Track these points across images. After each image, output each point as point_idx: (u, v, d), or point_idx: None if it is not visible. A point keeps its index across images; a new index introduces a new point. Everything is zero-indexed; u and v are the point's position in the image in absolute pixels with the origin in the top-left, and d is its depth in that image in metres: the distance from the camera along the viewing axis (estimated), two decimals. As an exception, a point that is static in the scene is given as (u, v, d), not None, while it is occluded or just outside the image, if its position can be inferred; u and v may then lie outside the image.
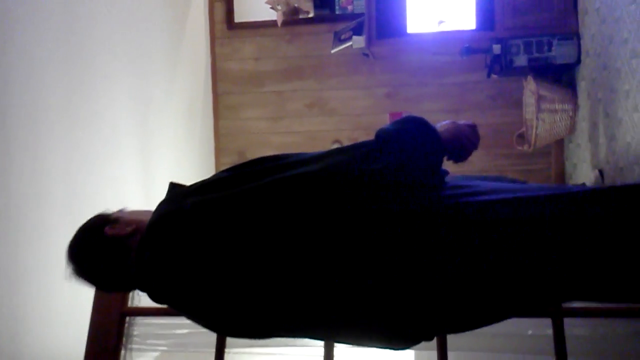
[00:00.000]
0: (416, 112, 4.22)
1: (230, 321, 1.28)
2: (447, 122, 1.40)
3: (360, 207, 1.16)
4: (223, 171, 1.37)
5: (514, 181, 1.57)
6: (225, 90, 4.51)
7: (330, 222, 1.17)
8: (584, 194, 1.25)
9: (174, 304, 1.30)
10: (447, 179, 1.35)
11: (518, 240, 1.20)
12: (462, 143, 1.38)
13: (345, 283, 1.18)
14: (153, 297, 1.30)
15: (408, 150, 1.23)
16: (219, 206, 1.21)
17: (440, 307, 1.22)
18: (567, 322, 1.68)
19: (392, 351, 1.39)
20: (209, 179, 1.33)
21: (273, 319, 1.24)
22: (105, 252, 1.30)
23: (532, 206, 1.23)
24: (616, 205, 1.23)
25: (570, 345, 1.61)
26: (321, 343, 1.82)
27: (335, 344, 1.72)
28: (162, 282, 1.25)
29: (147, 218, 1.30)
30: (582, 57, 3.67)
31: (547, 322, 1.70)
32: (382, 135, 1.25)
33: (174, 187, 1.37)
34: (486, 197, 1.26)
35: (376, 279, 1.17)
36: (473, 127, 1.43)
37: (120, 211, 1.38)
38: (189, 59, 4.14)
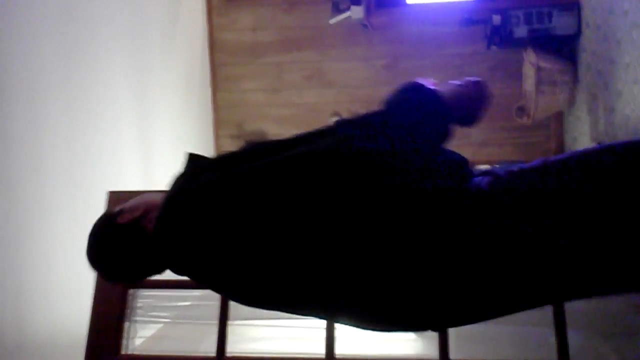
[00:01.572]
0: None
1: (248, 292, 1.29)
2: (451, 82, 1.36)
3: (370, 186, 1.16)
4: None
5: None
6: (222, 62, 4.48)
7: (341, 200, 1.16)
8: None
9: (193, 274, 1.31)
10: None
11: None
12: (469, 104, 1.35)
13: (351, 262, 1.18)
14: (173, 268, 1.31)
15: (412, 123, 1.21)
16: (231, 183, 1.22)
17: (448, 294, 1.21)
18: (567, 295, 1.70)
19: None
20: (224, 154, 1.34)
21: (284, 292, 1.25)
22: (126, 239, 1.31)
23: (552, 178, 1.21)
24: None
25: (569, 318, 1.63)
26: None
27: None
28: (181, 253, 1.26)
29: (151, 198, 1.32)
30: (583, 29, 3.64)
31: (547, 295, 1.72)
32: (384, 111, 1.24)
33: (191, 159, 1.37)
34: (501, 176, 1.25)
35: (382, 258, 1.18)
36: (479, 84, 1.39)
37: (120, 205, 1.38)
38: (185, 30, 4.10)
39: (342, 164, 1.16)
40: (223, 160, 1.30)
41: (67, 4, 2.60)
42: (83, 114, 2.68)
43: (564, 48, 3.90)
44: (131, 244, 1.31)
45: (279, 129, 4.41)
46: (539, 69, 3.69)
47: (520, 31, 3.79)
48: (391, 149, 1.18)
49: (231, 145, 4.46)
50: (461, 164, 1.30)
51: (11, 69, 2.19)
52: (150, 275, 1.39)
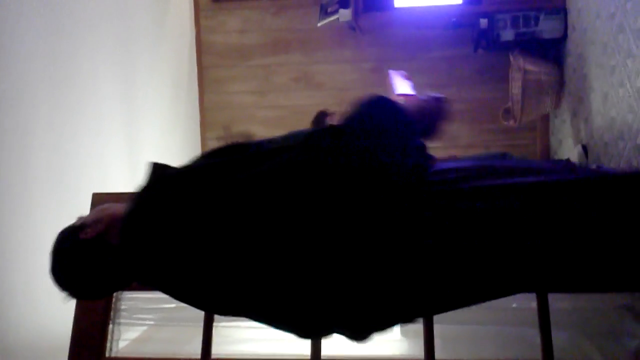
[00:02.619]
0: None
1: (218, 302, 1.28)
2: (415, 95, 1.39)
3: (342, 194, 1.16)
4: (204, 157, 1.36)
5: (508, 158, 1.57)
6: (210, 64, 4.47)
7: (316, 210, 1.17)
8: (576, 182, 1.25)
9: (161, 286, 1.29)
10: (439, 165, 1.34)
11: (501, 229, 1.20)
12: (429, 118, 1.37)
13: (327, 267, 1.18)
14: (141, 281, 1.29)
15: (375, 135, 1.21)
16: (201, 195, 1.21)
17: (423, 287, 1.22)
18: (551, 295, 1.70)
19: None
20: (191, 164, 1.32)
21: (255, 301, 1.24)
22: (91, 254, 1.29)
23: (520, 195, 1.24)
24: (604, 197, 1.24)
25: (554, 318, 1.63)
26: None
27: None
28: (148, 264, 1.24)
29: (113, 210, 1.30)
30: (569, 32, 3.67)
31: (532, 295, 1.73)
32: (349, 124, 1.24)
33: (154, 169, 1.35)
34: (477, 183, 1.26)
35: (359, 261, 1.17)
36: (440, 100, 1.42)
37: (80, 217, 1.36)
38: (173, 32, 4.09)
39: (318, 176, 1.16)
40: (192, 171, 1.28)
41: (54, 8, 2.58)
42: (69, 115, 2.66)
43: (550, 51, 3.92)
44: (96, 260, 1.28)
45: (266, 131, 4.40)
46: (525, 72, 3.71)
47: (507, 35, 3.81)
48: (361, 161, 1.18)
49: (219, 148, 4.44)
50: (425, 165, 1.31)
51: (-5, 69, 2.17)
52: (118, 289, 1.37)
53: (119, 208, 1.30)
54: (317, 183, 1.16)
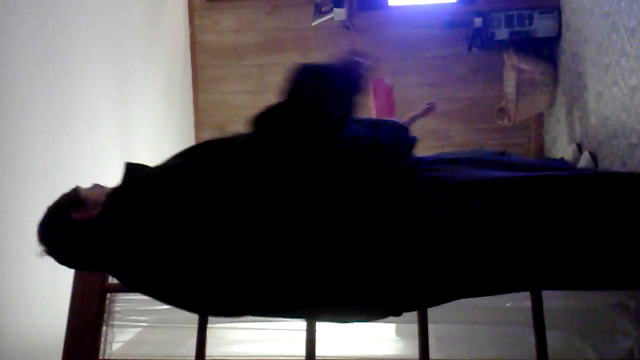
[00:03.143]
0: (397, 86, 4.21)
1: (203, 300, 1.28)
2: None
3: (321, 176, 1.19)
4: (178, 155, 1.36)
5: (492, 154, 1.58)
6: (204, 64, 4.45)
7: (294, 196, 1.18)
8: (572, 178, 1.26)
9: (142, 287, 1.29)
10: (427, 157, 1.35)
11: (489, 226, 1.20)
12: (349, 71, 1.35)
13: (313, 256, 1.19)
14: (123, 281, 1.29)
15: (321, 99, 1.24)
16: (175, 195, 1.22)
17: (410, 278, 1.22)
18: (545, 294, 1.70)
19: (372, 322, 1.40)
20: (166, 162, 1.32)
21: (246, 296, 1.24)
22: (73, 235, 1.30)
23: (508, 191, 1.24)
24: (593, 194, 1.24)
25: (548, 317, 1.63)
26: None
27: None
28: (127, 266, 1.26)
29: (105, 198, 1.31)
30: (563, 31, 3.67)
31: (526, 294, 1.73)
32: (292, 99, 1.25)
33: (129, 170, 1.37)
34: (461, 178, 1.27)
35: (346, 250, 1.19)
36: (352, 51, 1.40)
37: (93, 188, 1.36)
38: (167, 31, 4.07)
39: (278, 159, 1.19)
40: (166, 171, 1.29)
41: (46, 4, 2.56)
42: (62, 115, 2.65)
43: (544, 50, 3.93)
44: (77, 242, 1.30)
45: (262, 131, 4.39)
46: (519, 71, 3.72)
47: (501, 33, 3.81)
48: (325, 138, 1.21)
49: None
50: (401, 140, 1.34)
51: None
52: (86, 270, 1.36)
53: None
54: (278, 168, 1.18)
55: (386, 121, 1.41)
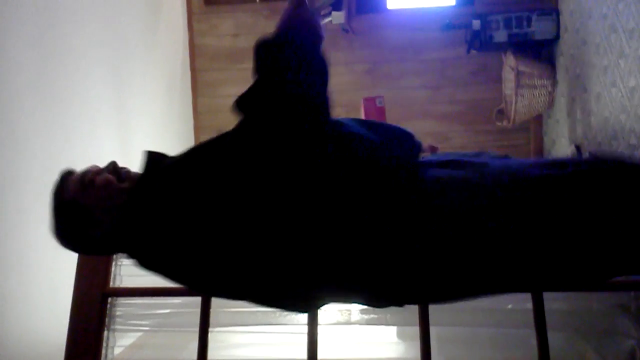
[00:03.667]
0: (396, 89, 4.22)
1: (215, 281, 1.30)
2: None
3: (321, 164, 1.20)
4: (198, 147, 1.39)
5: (495, 157, 1.58)
6: (203, 67, 4.46)
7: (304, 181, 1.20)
8: (573, 175, 1.25)
9: (156, 266, 1.31)
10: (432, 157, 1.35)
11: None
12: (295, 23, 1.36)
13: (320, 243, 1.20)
14: (139, 260, 1.31)
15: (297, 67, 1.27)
16: (199, 183, 1.24)
17: (412, 270, 1.23)
18: (547, 296, 1.70)
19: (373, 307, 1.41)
20: (186, 151, 1.34)
21: (254, 279, 1.26)
22: (87, 218, 1.31)
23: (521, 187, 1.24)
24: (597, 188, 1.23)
25: (549, 319, 1.63)
26: (304, 320, 1.83)
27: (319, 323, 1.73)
28: (145, 244, 1.28)
29: (116, 186, 1.32)
30: (561, 33, 3.68)
31: (527, 296, 1.73)
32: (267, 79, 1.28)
33: (150, 158, 1.37)
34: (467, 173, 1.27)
35: (350, 239, 1.20)
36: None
37: (94, 167, 1.38)
38: (166, 35, 4.08)
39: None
40: (188, 159, 1.31)
41: (45, 10, 2.57)
42: (61, 119, 2.65)
43: (543, 52, 3.94)
44: (83, 226, 1.30)
45: (261, 135, 4.40)
46: (518, 73, 3.72)
47: (500, 36, 3.82)
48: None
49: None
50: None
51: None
52: (98, 249, 1.37)
53: (117, 188, 1.32)
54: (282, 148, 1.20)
55: (392, 125, 1.41)
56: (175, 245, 1.24)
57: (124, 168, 1.38)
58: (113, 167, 1.37)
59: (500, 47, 3.88)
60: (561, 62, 3.68)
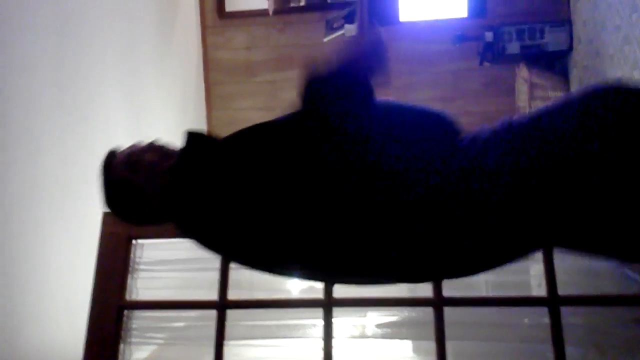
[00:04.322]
0: (410, 101, 4.22)
1: (249, 249, 1.36)
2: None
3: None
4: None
5: None
6: (217, 80, 4.49)
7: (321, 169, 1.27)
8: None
9: (198, 233, 1.38)
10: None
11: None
12: (365, 59, 1.43)
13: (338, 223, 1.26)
14: (180, 225, 1.38)
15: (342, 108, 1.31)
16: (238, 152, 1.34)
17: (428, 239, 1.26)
18: (564, 310, 1.69)
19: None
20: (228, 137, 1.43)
21: (283, 249, 1.32)
22: (139, 197, 1.39)
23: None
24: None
25: (567, 333, 1.62)
26: (319, 334, 1.83)
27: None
28: (190, 210, 1.34)
29: (163, 163, 1.40)
30: (574, 44, 3.67)
31: (544, 310, 1.72)
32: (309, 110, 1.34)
33: (191, 137, 1.44)
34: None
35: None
36: (359, 38, 1.50)
37: (139, 144, 1.47)
38: (180, 48, 4.11)
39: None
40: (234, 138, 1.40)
41: (61, 22, 2.60)
42: (78, 131, 2.67)
43: (556, 63, 3.93)
44: (130, 197, 1.38)
45: (274, 147, 4.41)
46: (531, 85, 3.72)
47: (513, 47, 3.82)
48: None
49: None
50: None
51: (4, 89, 2.19)
52: (150, 220, 1.43)
53: (161, 168, 1.39)
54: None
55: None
56: (213, 215, 1.31)
57: (166, 145, 1.46)
58: (153, 145, 1.44)
59: (513, 59, 3.88)
60: (575, 73, 3.68)
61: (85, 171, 2.70)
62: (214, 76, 4.48)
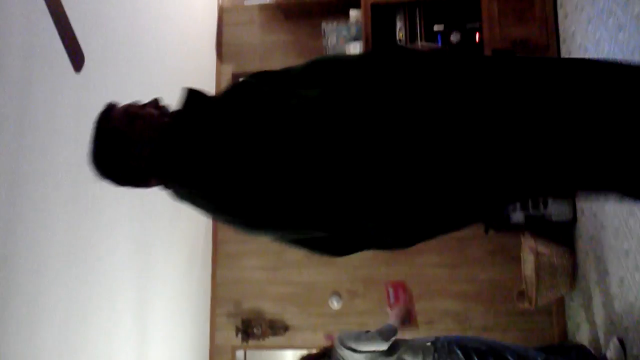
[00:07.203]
0: (415, 266, 4.20)
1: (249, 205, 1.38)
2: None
3: None
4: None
5: None
6: (225, 239, 4.52)
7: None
8: None
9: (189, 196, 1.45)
10: None
11: None
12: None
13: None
14: (170, 175, 1.44)
15: None
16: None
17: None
18: None
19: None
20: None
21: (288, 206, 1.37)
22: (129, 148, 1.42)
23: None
24: None
25: None
26: None
27: None
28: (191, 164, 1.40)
29: (156, 119, 1.45)
30: (578, 215, 3.72)
31: None
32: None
33: (190, 94, 1.49)
34: None
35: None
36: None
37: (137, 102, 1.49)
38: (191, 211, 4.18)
39: None
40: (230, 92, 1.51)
41: (77, 180, 2.68)
42: (83, 289, 2.65)
43: (561, 233, 3.96)
44: (135, 151, 1.42)
45: (277, 308, 4.34)
46: (538, 254, 3.72)
47: (517, 217, 3.88)
48: None
49: (227, 326, 4.35)
50: None
51: (13, 273, 2.21)
52: (142, 180, 1.49)
53: (159, 121, 1.44)
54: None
55: None
56: (214, 170, 1.37)
57: (166, 105, 1.49)
58: (156, 102, 1.47)
59: (518, 228, 3.92)
60: (580, 244, 3.69)
61: (84, 329, 2.64)
62: (222, 235, 4.51)
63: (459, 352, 2.86)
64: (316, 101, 1.37)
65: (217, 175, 1.39)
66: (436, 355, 2.86)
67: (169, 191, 1.47)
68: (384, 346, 2.88)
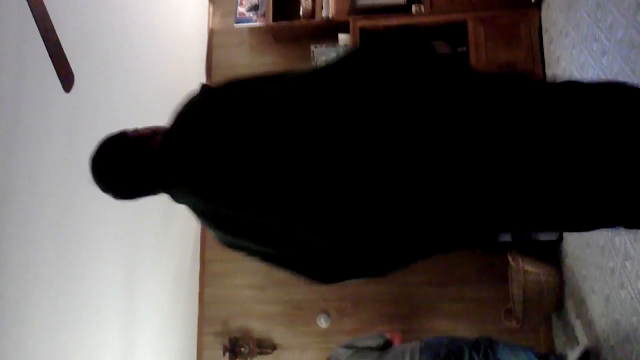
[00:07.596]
0: (402, 285, 4.21)
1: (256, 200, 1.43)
2: None
3: None
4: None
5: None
6: (213, 258, 4.51)
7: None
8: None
9: (194, 186, 1.49)
10: None
11: None
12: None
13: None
14: (175, 181, 1.48)
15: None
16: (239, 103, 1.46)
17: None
18: None
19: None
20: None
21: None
22: (131, 151, 1.47)
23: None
24: None
25: None
26: None
27: None
28: (187, 163, 1.43)
29: (160, 127, 1.51)
30: (564, 235, 3.76)
31: None
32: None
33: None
34: None
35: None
36: None
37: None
38: (179, 227, 4.19)
39: None
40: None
41: (64, 200, 2.68)
42: (68, 305, 2.64)
43: (547, 252, 3.99)
44: (135, 157, 1.46)
45: (265, 327, 4.33)
46: (525, 273, 3.75)
47: (504, 236, 3.90)
48: None
49: (215, 345, 4.33)
50: None
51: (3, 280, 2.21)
52: (145, 192, 1.53)
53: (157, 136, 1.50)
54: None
55: None
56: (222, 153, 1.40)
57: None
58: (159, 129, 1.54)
59: (506, 248, 3.95)
60: (566, 263, 3.73)
61: (71, 345, 2.62)
62: (210, 254, 4.51)
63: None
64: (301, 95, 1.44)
65: (206, 162, 1.44)
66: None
67: (169, 191, 1.53)
68: (380, 340, 3.17)
